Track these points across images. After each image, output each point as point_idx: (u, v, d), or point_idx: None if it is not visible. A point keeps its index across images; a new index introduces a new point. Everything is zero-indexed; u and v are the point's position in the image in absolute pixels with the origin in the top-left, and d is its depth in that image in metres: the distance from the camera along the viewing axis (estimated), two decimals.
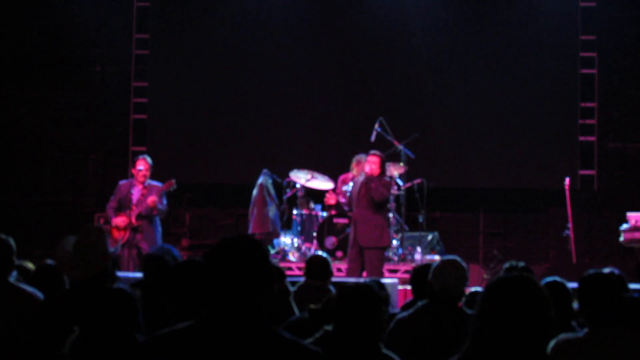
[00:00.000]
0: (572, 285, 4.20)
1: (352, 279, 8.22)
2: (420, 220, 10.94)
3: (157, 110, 12.64)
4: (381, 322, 3.49)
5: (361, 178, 9.35)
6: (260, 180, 10.86)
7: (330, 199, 9.86)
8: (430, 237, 11.30)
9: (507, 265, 5.39)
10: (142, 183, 9.54)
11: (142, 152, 12.99)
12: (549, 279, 4.31)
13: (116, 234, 9.43)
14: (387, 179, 9.39)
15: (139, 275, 7.08)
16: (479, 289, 5.24)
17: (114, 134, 12.97)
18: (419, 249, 10.58)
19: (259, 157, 12.07)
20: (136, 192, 9.56)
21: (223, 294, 2.35)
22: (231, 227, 12.76)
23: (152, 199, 9.38)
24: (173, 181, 9.53)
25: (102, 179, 12.85)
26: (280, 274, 5.09)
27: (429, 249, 11.11)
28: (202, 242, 12.42)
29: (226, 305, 2.35)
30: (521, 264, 5.29)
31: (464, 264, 4.38)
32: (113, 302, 3.51)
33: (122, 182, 9.75)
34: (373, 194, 9.11)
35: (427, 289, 4.31)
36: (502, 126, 12.08)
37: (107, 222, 9.53)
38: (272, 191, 10.91)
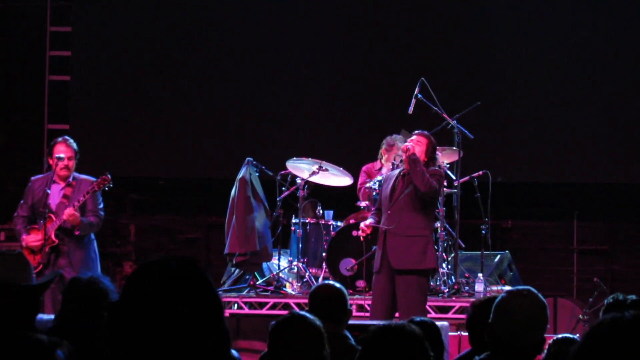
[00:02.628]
0: None
1: (378, 322, 8.35)
2: (484, 232, 11.23)
3: (86, 69, 12.97)
4: None
5: (396, 171, 9.45)
6: (242, 173, 11.13)
7: (366, 230, 9.40)
8: (497, 258, 11.62)
9: (610, 300, 5.68)
10: (64, 179, 9.77)
11: (63, 132, 13.13)
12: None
13: (29, 257, 9.59)
14: (437, 168, 9.43)
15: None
16: (570, 336, 5.48)
17: (20, 105, 13.21)
18: (480, 277, 10.76)
19: (239, 141, 12.35)
20: (55, 193, 9.77)
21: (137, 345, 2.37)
22: (199, 244, 13.00)
23: (68, 212, 9.44)
24: (108, 176, 9.58)
25: (2, 175, 13.07)
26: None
27: (497, 275, 11.36)
28: None
29: None
30: (632, 297, 5.51)
31: (541, 298, 4.43)
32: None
33: (35, 178, 9.97)
34: (417, 181, 8.99)
35: (486, 335, 4.40)
36: (607, 95, 12.39)
37: (18, 240, 9.69)
38: (260, 190, 11.19)
